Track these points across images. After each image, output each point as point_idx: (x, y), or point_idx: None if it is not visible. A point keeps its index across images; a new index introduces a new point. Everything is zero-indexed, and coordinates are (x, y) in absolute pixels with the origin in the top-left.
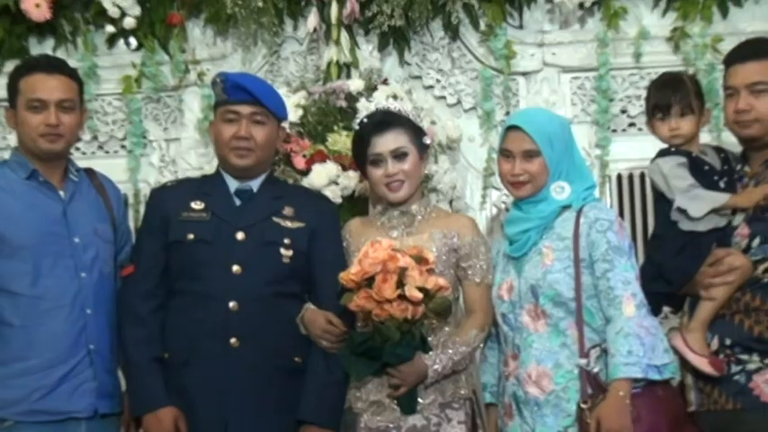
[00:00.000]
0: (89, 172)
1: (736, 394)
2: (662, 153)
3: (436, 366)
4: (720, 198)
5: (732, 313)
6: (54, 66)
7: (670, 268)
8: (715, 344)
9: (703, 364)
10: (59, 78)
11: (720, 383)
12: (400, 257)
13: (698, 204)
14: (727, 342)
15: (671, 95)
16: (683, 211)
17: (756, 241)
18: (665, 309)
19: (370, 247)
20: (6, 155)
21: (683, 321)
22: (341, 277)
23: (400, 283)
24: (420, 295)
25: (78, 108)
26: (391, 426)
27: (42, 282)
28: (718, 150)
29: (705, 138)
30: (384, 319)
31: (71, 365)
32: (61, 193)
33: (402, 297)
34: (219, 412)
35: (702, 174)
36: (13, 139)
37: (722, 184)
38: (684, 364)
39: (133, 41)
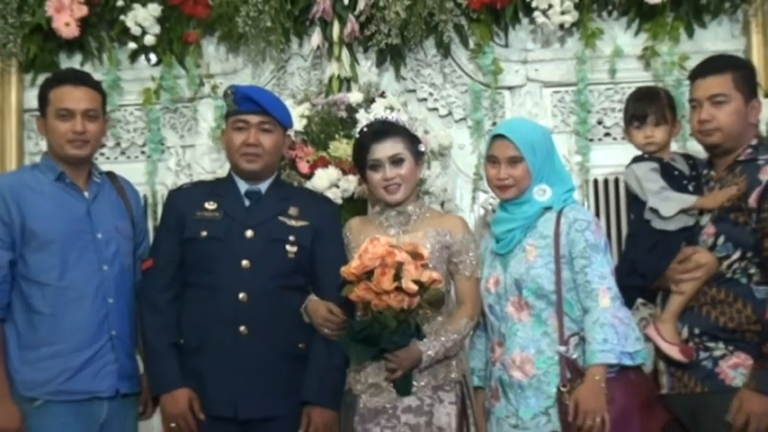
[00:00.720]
0: (111, 175)
1: (704, 379)
2: (636, 159)
3: (429, 352)
4: (689, 200)
5: (700, 305)
6: (80, 78)
7: (643, 264)
8: (685, 333)
9: (674, 352)
10: (85, 90)
11: (690, 369)
12: (397, 253)
13: (668, 205)
14: (696, 331)
15: (647, 107)
16: (655, 211)
17: (721, 240)
18: (638, 301)
19: (370, 244)
20: (38, 161)
21: (656, 313)
22: (343, 271)
23: (397, 277)
24: (415, 287)
25: (101, 117)
26: (388, 406)
27: (69, 274)
28: (687, 157)
29: (674, 146)
30: (382, 308)
31: (95, 350)
32: (86, 193)
33: (399, 289)
34: (229, 393)
35: (673, 178)
36: (45, 146)
37: (690, 188)
38: (657, 352)
39: (153, 57)
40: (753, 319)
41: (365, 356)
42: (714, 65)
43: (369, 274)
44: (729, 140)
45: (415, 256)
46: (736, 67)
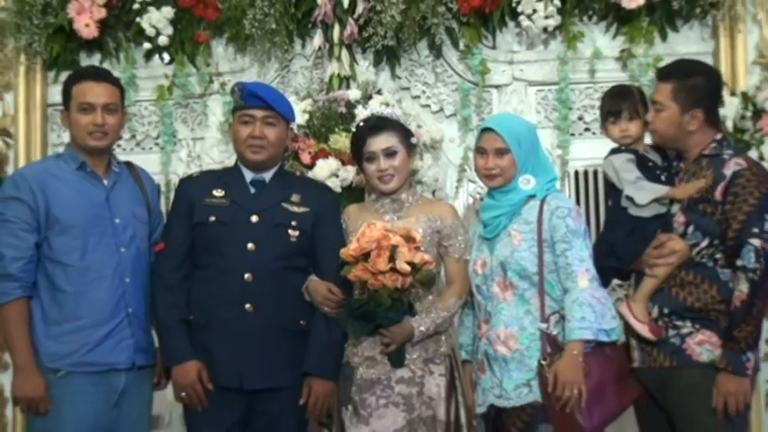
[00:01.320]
0: (128, 164)
1: (672, 354)
2: (614, 151)
3: (421, 328)
4: (661, 189)
5: (670, 287)
6: (100, 75)
7: (621, 248)
8: (655, 312)
9: (644, 330)
10: (105, 86)
11: (659, 345)
12: (392, 237)
13: (643, 194)
14: (666, 311)
15: (621, 103)
16: (630, 199)
17: (691, 228)
18: (614, 282)
19: (367, 228)
20: (61, 151)
21: (630, 293)
22: (342, 253)
23: (392, 258)
24: (408, 268)
25: (120, 111)
26: (383, 377)
27: (89, 256)
28: (660, 150)
29: (648, 140)
30: (378, 287)
31: (113, 325)
32: (105, 181)
33: (393, 270)
34: (236, 366)
35: (647, 168)
36: (67, 138)
37: (663, 178)
38: (628, 329)
39: (166, 56)
40: (718, 299)
41: (362, 332)
42: (664, 72)
43: (366, 256)
44: (667, 143)
45: (408, 239)
46: (681, 76)
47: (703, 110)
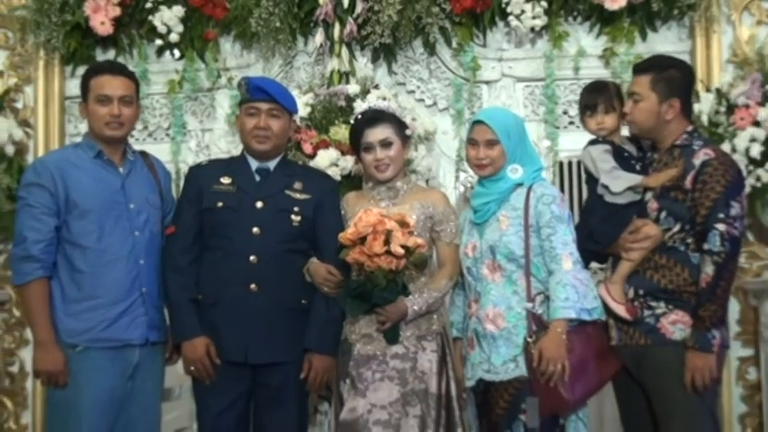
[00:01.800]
0: (143, 154)
1: (647, 332)
2: (591, 142)
3: (414, 307)
4: (635, 178)
5: (645, 269)
6: (117, 69)
7: (599, 232)
8: (631, 293)
9: (621, 311)
10: (121, 79)
11: (635, 324)
12: (387, 222)
13: (618, 182)
14: (641, 292)
15: (597, 97)
16: (606, 187)
17: (663, 214)
18: (594, 265)
19: (364, 214)
20: (79, 140)
21: (607, 275)
22: (340, 237)
23: (387, 242)
24: (402, 251)
25: (135, 103)
26: (378, 353)
27: (105, 239)
28: (635, 141)
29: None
30: (374, 269)
31: (128, 304)
32: (120, 169)
33: (388, 252)
34: (241, 342)
35: (622, 159)
36: (83, 128)
37: (638, 167)
38: (606, 309)
39: (177, 52)
40: (689, 281)
41: (359, 310)
42: (640, 66)
43: (363, 240)
44: (644, 133)
45: (403, 224)
46: (658, 69)
47: (679, 99)
